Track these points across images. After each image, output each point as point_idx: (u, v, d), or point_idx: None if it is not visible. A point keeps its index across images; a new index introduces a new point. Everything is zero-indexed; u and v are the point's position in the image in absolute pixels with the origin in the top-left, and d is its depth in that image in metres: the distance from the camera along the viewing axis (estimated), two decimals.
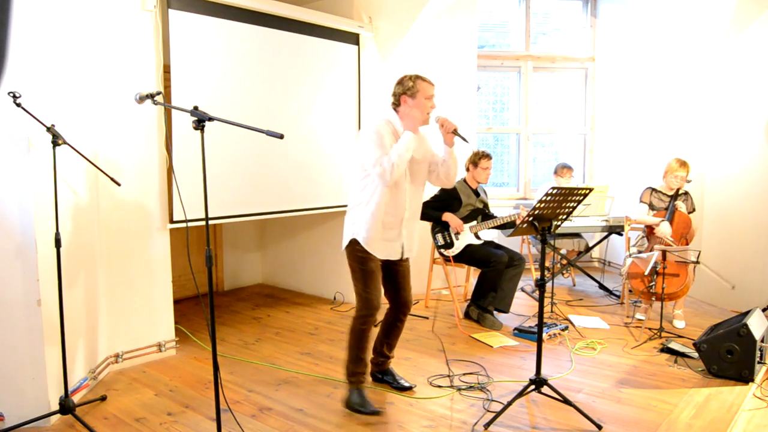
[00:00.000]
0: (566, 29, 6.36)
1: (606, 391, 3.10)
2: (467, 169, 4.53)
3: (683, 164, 4.27)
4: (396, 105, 2.94)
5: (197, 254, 4.60)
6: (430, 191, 4.59)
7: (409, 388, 3.15)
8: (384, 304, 3.06)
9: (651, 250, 4.16)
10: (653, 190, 4.41)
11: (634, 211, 4.54)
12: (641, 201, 4.45)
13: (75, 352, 3.00)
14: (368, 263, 2.90)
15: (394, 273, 3.06)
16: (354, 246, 2.90)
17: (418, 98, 2.87)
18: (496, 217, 4.47)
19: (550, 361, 3.50)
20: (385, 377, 3.25)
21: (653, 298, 3.95)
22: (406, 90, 2.88)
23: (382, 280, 3.03)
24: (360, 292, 2.93)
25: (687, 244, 4.23)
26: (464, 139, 2.90)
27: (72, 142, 2.74)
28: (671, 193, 4.33)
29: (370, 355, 3.06)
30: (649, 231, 4.35)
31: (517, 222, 4.28)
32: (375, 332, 3.14)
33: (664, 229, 4.22)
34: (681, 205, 4.26)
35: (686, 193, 4.35)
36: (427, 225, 4.60)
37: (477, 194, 4.54)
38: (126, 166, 3.36)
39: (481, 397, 3.03)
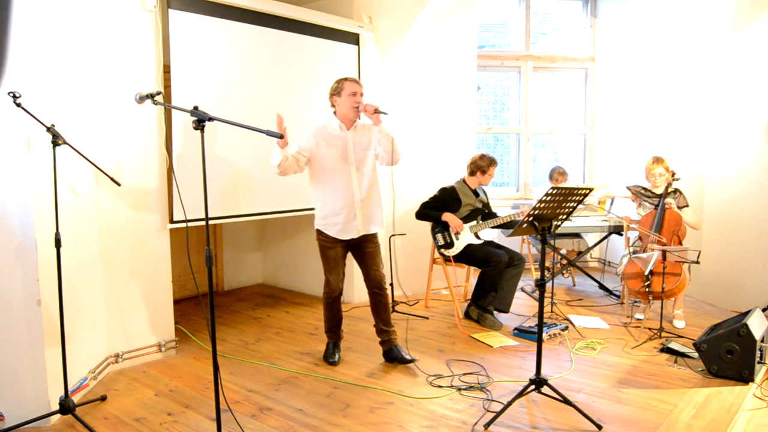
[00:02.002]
0: (566, 29, 6.36)
1: (606, 391, 3.10)
2: (472, 173, 4.50)
3: (657, 161, 4.34)
4: (333, 107, 3.39)
5: (197, 254, 4.60)
6: (430, 191, 4.60)
7: (411, 361, 3.46)
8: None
9: (644, 251, 4.18)
10: (643, 188, 4.47)
11: (618, 190, 4.69)
12: (627, 187, 4.62)
13: (75, 352, 3.00)
14: (327, 251, 3.43)
15: (362, 254, 3.48)
16: (317, 235, 3.44)
17: (343, 96, 3.31)
18: (496, 216, 4.47)
19: (550, 361, 3.50)
20: (392, 355, 3.53)
21: (650, 297, 3.96)
22: (334, 91, 3.35)
23: (357, 262, 3.54)
24: (324, 273, 3.48)
25: (679, 241, 4.24)
26: (384, 113, 3.28)
27: (72, 142, 2.74)
28: (658, 191, 4.35)
29: (340, 322, 3.64)
30: (641, 233, 4.36)
31: (521, 216, 4.27)
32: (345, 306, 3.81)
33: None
34: (671, 202, 4.27)
35: (676, 191, 4.37)
36: (426, 224, 4.60)
37: (476, 194, 4.54)
38: (126, 166, 3.36)
39: (481, 397, 3.03)
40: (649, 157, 4.44)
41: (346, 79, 3.34)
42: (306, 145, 3.31)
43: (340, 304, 3.60)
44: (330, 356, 3.58)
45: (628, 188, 4.58)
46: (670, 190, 4.34)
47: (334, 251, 3.41)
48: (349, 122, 3.35)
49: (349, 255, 3.54)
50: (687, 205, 4.34)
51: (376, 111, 3.24)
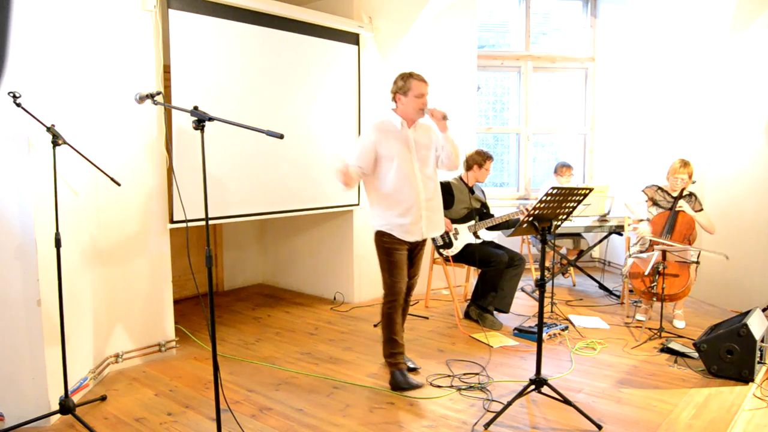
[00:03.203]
0: (566, 29, 6.36)
1: (606, 391, 3.10)
2: (468, 168, 4.51)
3: (685, 165, 4.27)
4: (394, 102, 3.21)
5: (197, 254, 4.60)
6: None
7: (414, 370, 3.35)
8: None
9: (653, 250, 4.16)
10: (659, 188, 4.42)
11: (631, 197, 4.59)
12: (642, 191, 4.50)
13: (75, 352, 3.00)
14: (394, 254, 3.17)
15: (411, 259, 3.29)
16: (381, 237, 3.19)
17: (409, 96, 3.12)
18: (493, 216, 4.47)
19: (550, 361, 3.50)
20: None
21: (654, 299, 3.95)
22: (399, 90, 3.15)
23: None
24: (386, 280, 3.20)
25: (690, 245, 4.22)
26: (449, 119, 3.11)
27: (72, 142, 2.74)
28: (675, 193, 4.33)
29: (416, 344, 3.36)
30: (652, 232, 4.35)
31: (522, 217, 4.27)
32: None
33: (643, 229, 4.28)
34: (685, 206, 4.25)
35: (691, 194, 4.34)
36: None
37: (472, 192, 4.53)
38: (126, 166, 3.36)
39: (481, 397, 3.03)
40: (676, 158, 4.33)
41: (412, 77, 3.11)
42: (366, 155, 3.10)
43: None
44: (407, 381, 3.12)
45: (643, 192, 4.49)
46: (684, 193, 4.32)
47: (400, 253, 3.16)
48: (410, 121, 3.17)
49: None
50: (702, 209, 4.31)
51: (445, 117, 3.06)
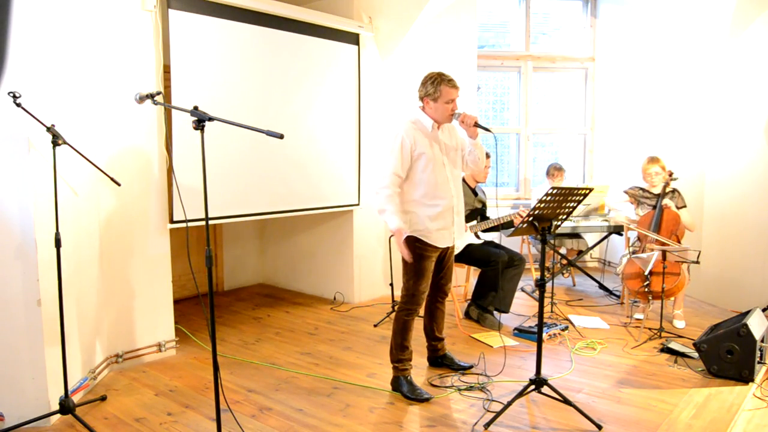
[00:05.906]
0: (566, 29, 6.36)
1: (606, 391, 3.10)
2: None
3: (652, 160, 4.38)
4: (422, 104, 3.14)
5: (197, 254, 4.60)
6: None
7: (470, 367, 3.40)
8: None
9: (644, 251, 4.18)
10: (641, 188, 4.48)
11: (615, 196, 4.70)
12: (624, 191, 4.64)
13: (75, 352, 3.00)
14: (424, 262, 3.06)
15: (442, 264, 3.25)
16: (413, 243, 3.04)
17: (439, 102, 3.04)
18: (490, 218, 4.47)
19: (550, 361, 3.50)
20: (443, 361, 3.44)
21: (649, 297, 3.96)
22: (428, 95, 3.06)
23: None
24: (409, 287, 3.09)
25: (678, 241, 4.25)
26: (487, 129, 3.04)
27: (72, 142, 2.74)
28: (656, 190, 4.37)
29: (413, 343, 3.19)
30: (640, 234, 4.38)
31: (515, 222, 4.29)
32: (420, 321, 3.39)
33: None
34: (669, 203, 4.29)
35: (674, 191, 4.39)
36: None
37: (475, 193, 4.54)
38: (126, 166, 3.36)
39: (481, 397, 3.04)
40: (645, 157, 4.47)
41: (443, 82, 3.01)
42: (407, 161, 3.00)
43: None
44: (420, 392, 3.03)
45: (625, 192, 4.60)
46: (668, 189, 4.35)
47: (430, 261, 3.09)
48: (440, 123, 3.11)
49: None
50: (685, 206, 4.36)
51: (477, 125, 3.02)
